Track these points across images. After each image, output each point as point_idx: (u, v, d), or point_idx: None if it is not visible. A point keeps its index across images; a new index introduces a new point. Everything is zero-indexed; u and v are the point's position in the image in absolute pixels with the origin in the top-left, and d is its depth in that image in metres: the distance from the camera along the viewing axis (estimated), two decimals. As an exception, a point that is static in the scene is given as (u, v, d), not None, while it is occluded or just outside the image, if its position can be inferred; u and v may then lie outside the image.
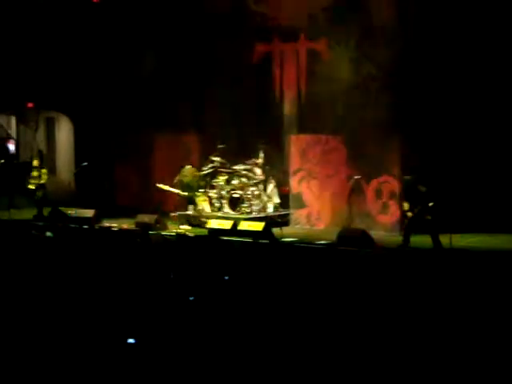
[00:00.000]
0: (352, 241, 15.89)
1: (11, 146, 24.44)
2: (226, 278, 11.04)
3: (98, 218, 19.04)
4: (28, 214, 20.40)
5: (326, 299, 9.90)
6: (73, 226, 18.29)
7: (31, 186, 20.12)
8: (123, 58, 21.14)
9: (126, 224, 18.69)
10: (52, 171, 24.20)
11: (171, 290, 10.23)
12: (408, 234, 15.64)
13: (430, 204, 15.32)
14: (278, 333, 8.53)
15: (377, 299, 9.95)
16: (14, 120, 24.86)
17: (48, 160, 24.23)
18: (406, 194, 15.87)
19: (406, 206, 15.73)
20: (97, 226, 18.47)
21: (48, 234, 14.99)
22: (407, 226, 15.71)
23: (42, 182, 20.11)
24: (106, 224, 18.75)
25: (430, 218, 15.37)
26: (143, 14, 20.63)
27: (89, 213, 19.15)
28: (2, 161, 20.41)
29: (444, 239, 15.22)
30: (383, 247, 15.83)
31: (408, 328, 8.75)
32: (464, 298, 10.08)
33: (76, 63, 21.48)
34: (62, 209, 19.70)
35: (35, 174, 20.14)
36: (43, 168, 20.40)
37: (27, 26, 20.83)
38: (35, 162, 20.34)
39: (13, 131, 24.88)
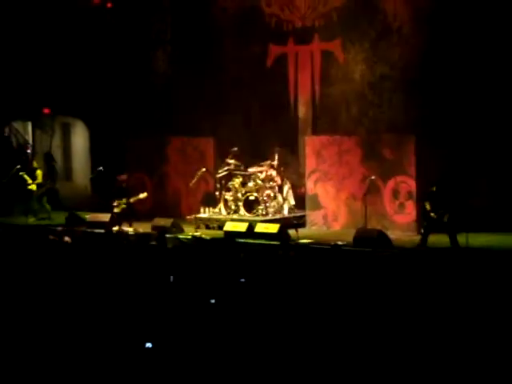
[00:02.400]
0: (368, 241, 15.85)
1: (28, 152, 24.56)
2: (242, 280, 11.04)
3: (114, 222, 19.07)
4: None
5: (342, 300, 9.87)
6: (89, 230, 18.37)
7: (33, 187, 20.43)
8: (138, 62, 21.22)
9: (142, 228, 18.72)
10: (68, 176, 24.35)
11: (187, 292, 10.23)
12: (427, 234, 15.63)
13: (453, 208, 15.46)
14: (295, 334, 8.51)
15: (394, 300, 9.91)
16: (30, 126, 24.99)
17: (64, 165, 24.39)
18: (431, 195, 15.80)
19: (428, 206, 15.70)
20: (113, 230, 18.49)
21: (66, 238, 15.04)
22: (427, 226, 15.68)
23: (38, 181, 20.57)
24: (123, 228, 18.78)
25: (447, 219, 15.44)
26: (156, 20, 20.69)
27: (105, 217, 19.20)
28: (18, 166, 20.54)
29: (460, 238, 15.16)
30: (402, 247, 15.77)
31: (426, 328, 8.71)
32: (480, 297, 10.02)
33: (91, 69, 21.57)
34: (79, 213, 19.77)
35: (36, 174, 20.50)
36: (38, 169, 20.83)
37: (43, 33, 20.95)
38: (35, 164, 20.59)
39: (29, 137, 25.01)
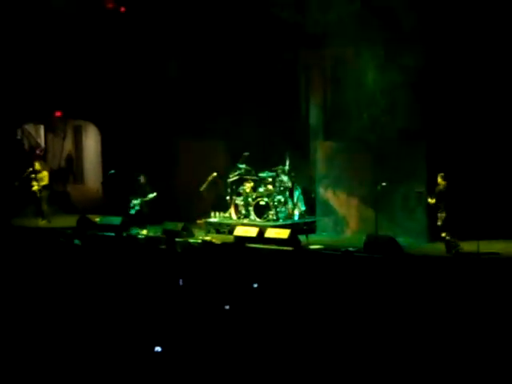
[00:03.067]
0: (379, 247, 15.82)
1: (40, 155, 24.64)
2: (255, 285, 11.03)
3: (125, 225, 19.11)
4: (56, 222, 20.59)
5: (353, 305, 9.86)
6: (100, 233, 18.42)
7: (34, 188, 20.50)
8: (150, 67, 21.26)
9: (153, 231, 18.76)
10: (79, 179, 24.40)
11: (196, 296, 10.24)
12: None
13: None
14: (305, 338, 8.51)
15: (404, 306, 9.90)
16: (42, 129, 25.08)
17: (75, 168, 24.46)
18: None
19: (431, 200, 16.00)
20: (124, 234, 18.55)
21: (76, 241, 15.10)
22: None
23: (44, 183, 20.60)
24: (134, 231, 18.83)
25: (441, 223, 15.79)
26: (169, 24, 20.73)
27: (116, 220, 19.24)
28: (31, 169, 20.61)
29: (472, 246, 15.11)
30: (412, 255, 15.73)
31: (436, 333, 8.70)
32: (490, 304, 9.99)
33: (104, 73, 21.63)
34: (90, 216, 19.82)
35: (39, 176, 20.60)
36: (44, 170, 20.83)
37: (56, 37, 21.01)
38: (37, 165, 20.67)
39: (41, 140, 25.10)
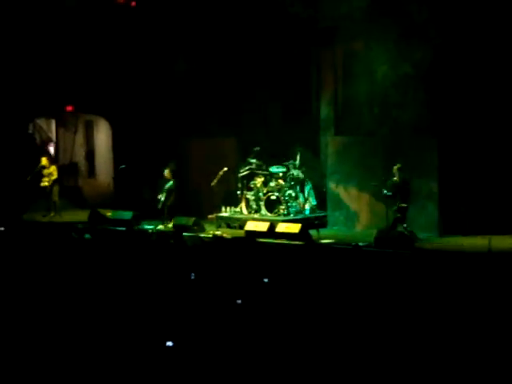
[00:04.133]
0: (390, 242, 15.81)
1: (51, 149, 24.72)
2: (266, 280, 11.05)
3: (136, 220, 19.16)
4: (67, 216, 20.67)
5: (364, 300, 9.86)
6: (111, 228, 18.47)
7: (45, 184, 20.56)
8: (161, 62, 21.27)
9: (163, 226, 18.80)
10: (91, 174, 24.47)
11: (207, 290, 10.26)
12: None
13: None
14: (314, 333, 8.52)
15: (415, 300, 9.89)
16: (53, 123, 25.15)
17: (87, 162, 24.53)
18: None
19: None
20: (135, 228, 18.60)
21: (87, 236, 15.15)
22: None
23: (54, 178, 20.64)
24: (145, 226, 18.88)
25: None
26: (180, 20, 20.72)
27: (127, 215, 19.29)
28: (41, 164, 20.67)
29: (484, 241, 15.07)
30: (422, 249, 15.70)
31: (447, 328, 8.69)
32: (502, 300, 9.97)
33: (115, 67, 21.65)
34: (101, 211, 19.88)
35: (46, 172, 20.60)
36: (52, 165, 20.87)
37: (67, 31, 21.05)
38: (44, 161, 20.71)
39: (53, 134, 25.17)
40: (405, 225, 16.38)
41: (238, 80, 20.21)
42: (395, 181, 16.48)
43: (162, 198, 18.97)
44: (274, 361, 7.89)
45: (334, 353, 8.06)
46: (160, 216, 19.02)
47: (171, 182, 19.00)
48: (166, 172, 19.18)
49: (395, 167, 16.53)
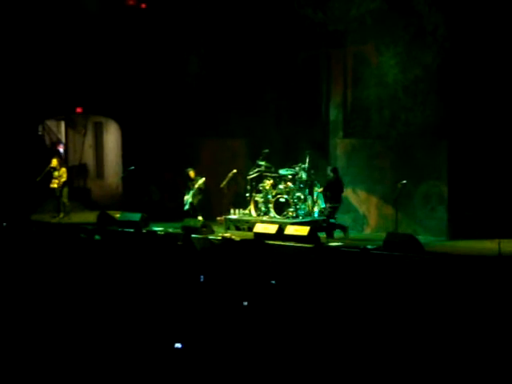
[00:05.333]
0: (399, 245, 15.78)
1: (61, 150, 24.80)
2: (273, 282, 11.03)
3: (144, 221, 19.19)
4: (77, 217, 20.72)
5: (372, 304, 9.83)
6: (120, 229, 18.49)
7: (54, 185, 20.64)
8: (171, 63, 21.31)
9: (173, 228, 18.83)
10: (100, 175, 24.53)
11: (216, 292, 10.25)
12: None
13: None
14: (322, 336, 8.50)
15: (424, 304, 9.86)
16: (63, 125, 25.22)
17: (96, 164, 24.59)
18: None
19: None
20: (144, 230, 18.60)
21: (96, 237, 15.15)
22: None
23: (63, 180, 20.71)
24: (153, 228, 18.90)
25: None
26: (189, 21, 20.76)
27: (135, 216, 19.32)
28: (50, 166, 20.73)
29: (493, 245, 15.01)
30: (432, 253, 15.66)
31: (456, 332, 8.66)
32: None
33: (124, 69, 21.70)
34: (110, 212, 19.92)
35: (56, 173, 20.70)
36: (62, 167, 20.91)
37: (77, 33, 21.11)
38: (54, 162, 20.75)
39: (62, 136, 25.24)
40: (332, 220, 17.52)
41: (247, 82, 20.22)
42: (330, 179, 17.65)
43: (190, 199, 19.09)
44: (280, 362, 7.88)
45: (342, 355, 8.05)
46: (168, 217, 19.08)
47: (202, 181, 19.09)
48: (191, 172, 19.27)
49: (329, 168, 17.92)
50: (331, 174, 17.78)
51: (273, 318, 9.13)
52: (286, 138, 20.06)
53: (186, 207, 19.27)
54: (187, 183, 19.41)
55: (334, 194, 17.52)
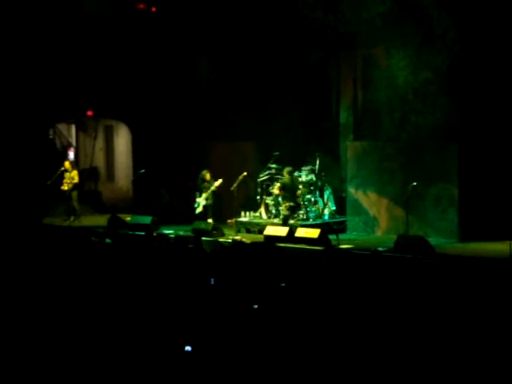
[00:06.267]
0: (410, 248, 15.75)
1: (71, 154, 24.88)
2: (283, 284, 11.03)
3: (155, 224, 19.22)
4: (88, 221, 20.78)
5: (383, 306, 9.82)
6: (131, 232, 18.53)
7: (65, 187, 20.70)
8: (181, 67, 21.35)
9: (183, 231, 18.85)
10: (110, 178, 24.59)
11: (227, 296, 10.26)
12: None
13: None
14: (333, 339, 8.50)
15: (435, 306, 9.84)
16: (73, 128, 25.30)
17: (106, 167, 24.65)
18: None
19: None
20: (154, 233, 18.63)
21: (107, 240, 15.19)
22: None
23: (74, 182, 20.77)
24: (164, 231, 18.93)
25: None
26: (200, 24, 20.79)
27: (146, 220, 19.36)
28: (63, 168, 20.80)
29: (504, 246, 14.97)
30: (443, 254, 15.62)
31: (467, 333, 8.64)
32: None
33: (135, 72, 21.76)
34: (121, 215, 19.95)
35: (67, 175, 20.76)
36: (74, 170, 20.97)
37: (88, 37, 21.18)
38: (67, 164, 20.83)
39: (73, 139, 25.32)
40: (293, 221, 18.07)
41: (257, 85, 20.24)
42: (286, 181, 18.22)
43: (204, 201, 19.14)
44: (290, 365, 7.88)
45: (353, 358, 8.04)
46: (178, 220, 19.12)
47: (218, 183, 19.11)
48: (207, 175, 19.30)
49: (286, 170, 18.29)
50: (287, 176, 18.32)
51: (283, 321, 9.13)
52: (297, 141, 20.05)
53: (199, 210, 19.29)
54: (200, 185, 19.41)
55: (291, 195, 18.29)
